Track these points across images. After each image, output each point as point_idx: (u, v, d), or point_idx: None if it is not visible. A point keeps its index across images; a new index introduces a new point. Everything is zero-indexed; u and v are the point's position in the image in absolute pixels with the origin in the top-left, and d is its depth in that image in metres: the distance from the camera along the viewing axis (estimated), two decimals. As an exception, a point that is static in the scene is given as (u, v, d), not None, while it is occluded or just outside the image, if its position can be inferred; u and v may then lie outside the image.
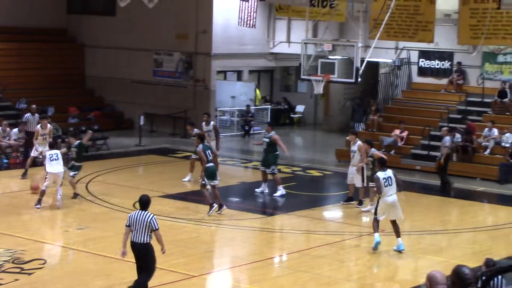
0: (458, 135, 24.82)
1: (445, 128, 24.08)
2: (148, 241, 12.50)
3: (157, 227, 12.48)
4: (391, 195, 15.82)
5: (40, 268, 14.22)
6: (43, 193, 18.57)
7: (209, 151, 18.59)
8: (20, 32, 31.55)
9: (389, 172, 15.99)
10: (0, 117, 26.94)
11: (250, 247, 16.82)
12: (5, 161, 24.28)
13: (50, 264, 14.54)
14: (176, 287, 13.62)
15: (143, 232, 12.45)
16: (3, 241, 15.83)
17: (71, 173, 19.69)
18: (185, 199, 20.16)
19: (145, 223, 12.43)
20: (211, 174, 18.30)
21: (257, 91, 33.55)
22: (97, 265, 14.61)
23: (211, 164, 18.46)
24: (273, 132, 20.84)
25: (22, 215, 18.25)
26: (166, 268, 14.43)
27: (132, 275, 13.88)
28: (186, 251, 15.68)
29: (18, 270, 14.05)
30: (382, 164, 16.30)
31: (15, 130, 24.99)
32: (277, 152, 20.84)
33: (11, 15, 30.94)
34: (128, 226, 12.57)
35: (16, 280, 13.54)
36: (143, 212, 12.56)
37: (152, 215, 12.55)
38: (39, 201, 18.55)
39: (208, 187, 18.33)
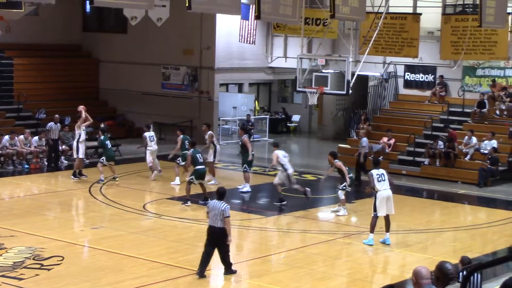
0: (441, 142, 24.83)
1: (363, 131, 24.86)
2: (222, 226, 13.45)
3: (227, 215, 13.42)
4: (385, 189, 15.94)
5: (59, 264, 14.21)
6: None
7: (199, 155, 19.45)
8: (40, 48, 31.57)
9: (382, 170, 16.20)
10: (21, 126, 27.01)
11: (250, 245, 16.80)
12: (26, 166, 24.29)
13: (67, 260, 14.51)
14: (182, 282, 13.59)
15: (218, 218, 13.41)
16: (25, 239, 15.82)
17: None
18: (190, 201, 20.11)
19: (219, 210, 13.38)
20: (200, 175, 19.40)
21: (256, 102, 33.56)
22: (111, 261, 14.59)
23: (202, 166, 19.45)
24: (244, 135, 21.77)
25: (42, 216, 18.24)
26: (173, 264, 14.44)
27: (143, 271, 13.90)
28: (191, 248, 15.65)
29: (38, 266, 14.05)
30: (375, 163, 16.53)
31: (36, 138, 25.02)
32: (248, 153, 21.56)
33: (32, 33, 30.95)
34: (208, 212, 13.62)
35: (37, 275, 13.54)
36: (219, 201, 13.54)
37: (226, 204, 13.54)
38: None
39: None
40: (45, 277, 13.45)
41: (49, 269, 13.86)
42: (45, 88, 30.72)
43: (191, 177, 19.32)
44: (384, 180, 15.99)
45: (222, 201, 13.61)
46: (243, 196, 21.26)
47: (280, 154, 19.68)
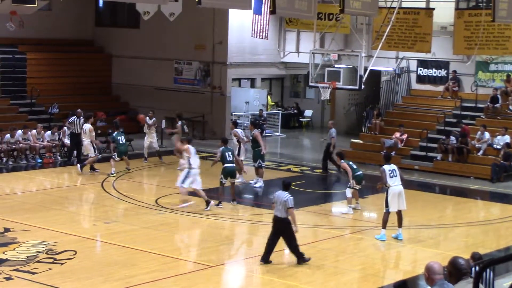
0: (453, 138, 24.74)
1: (331, 122, 24.95)
2: (286, 216, 13.88)
3: (290, 205, 13.84)
4: (397, 185, 15.93)
5: (71, 258, 14.27)
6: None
7: (229, 153, 18.87)
8: (53, 43, 31.68)
9: (394, 166, 16.18)
10: (34, 120, 27.13)
11: (262, 240, 16.78)
12: (39, 161, 24.40)
13: (80, 255, 14.57)
14: (195, 277, 13.61)
15: (281, 208, 13.87)
16: (38, 234, 15.89)
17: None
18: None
19: (282, 201, 13.83)
20: (228, 173, 18.81)
21: (269, 98, 33.55)
22: (123, 256, 14.64)
23: (231, 164, 18.87)
24: (255, 130, 21.52)
25: (54, 210, 18.30)
26: (185, 259, 14.48)
27: (156, 265, 13.94)
28: (203, 243, 15.69)
29: (51, 260, 14.11)
30: (387, 159, 16.61)
31: (48, 132, 25.12)
32: (260, 148, 21.33)
33: (45, 28, 31.07)
34: (273, 203, 14.09)
35: (49, 269, 13.60)
36: (284, 192, 13.96)
37: (289, 195, 13.93)
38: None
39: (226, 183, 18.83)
40: (58, 271, 13.50)
41: (62, 264, 13.92)
42: (57, 83, 30.83)
43: (220, 177, 18.83)
44: (395, 176, 15.99)
45: (286, 192, 14.02)
46: (256, 191, 21.25)
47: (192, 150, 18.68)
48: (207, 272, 13.85)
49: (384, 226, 16.12)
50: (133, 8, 25.29)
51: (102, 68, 33.04)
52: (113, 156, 22.44)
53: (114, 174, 22.11)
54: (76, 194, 20.13)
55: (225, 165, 18.82)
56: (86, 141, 22.64)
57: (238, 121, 31.18)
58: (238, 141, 21.80)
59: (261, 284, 13.81)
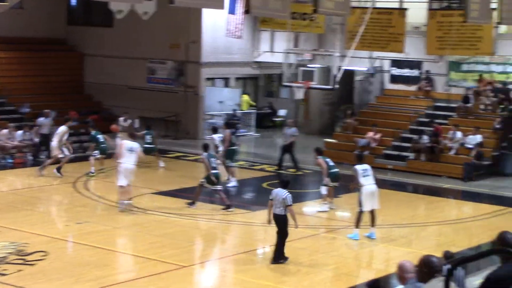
0: (426, 137, 24.90)
1: (290, 121, 25.55)
2: (284, 214, 14.18)
3: (290, 203, 14.12)
4: (370, 184, 15.98)
5: (42, 259, 14.12)
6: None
7: (213, 159, 18.73)
8: (24, 42, 31.36)
9: (366, 165, 16.25)
10: (5, 120, 26.84)
11: (235, 239, 16.78)
12: (10, 161, 24.14)
13: (51, 255, 14.43)
14: (168, 277, 13.54)
15: (280, 205, 14.11)
16: (8, 234, 15.72)
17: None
18: (176, 195, 20.08)
19: (281, 198, 14.10)
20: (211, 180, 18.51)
21: (247, 97, 33.54)
22: (95, 256, 14.52)
23: (216, 171, 18.61)
24: (227, 130, 21.83)
25: (25, 211, 18.12)
26: (157, 259, 14.39)
27: (129, 265, 13.84)
28: (176, 243, 15.62)
29: (21, 261, 13.95)
30: (359, 158, 16.62)
31: (20, 132, 24.87)
32: (233, 147, 21.67)
33: (15, 26, 30.75)
34: (271, 200, 14.22)
35: (20, 270, 13.45)
36: (282, 190, 14.22)
37: (287, 192, 14.16)
38: None
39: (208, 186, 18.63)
40: (28, 273, 13.36)
41: (32, 265, 13.78)
42: (29, 82, 30.52)
43: (202, 180, 18.58)
44: (368, 175, 16.05)
45: (285, 190, 14.24)
46: (228, 191, 21.20)
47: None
48: (180, 272, 13.79)
49: (357, 226, 16.16)
50: (106, 6, 25.08)
51: (74, 67, 32.77)
52: (94, 155, 22.26)
53: (94, 174, 21.91)
54: (48, 194, 19.95)
55: (212, 172, 18.47)
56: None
57: (211, 120, 31.19)
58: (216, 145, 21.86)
59: (234, 284, 13.78)
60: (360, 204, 16.05)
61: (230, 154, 21.51)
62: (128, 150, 18.05)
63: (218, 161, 19.70)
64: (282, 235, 14.33)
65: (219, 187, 18.67)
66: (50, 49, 32.18)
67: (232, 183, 21.43)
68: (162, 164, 23.71)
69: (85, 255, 14.63)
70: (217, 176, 18.51)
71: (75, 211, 18.27)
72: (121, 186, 17.99)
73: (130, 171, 18.06)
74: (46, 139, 24.10)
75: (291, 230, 17.40)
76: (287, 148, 24.19)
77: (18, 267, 13.61)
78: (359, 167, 16.13)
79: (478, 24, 23.22)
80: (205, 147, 18.89)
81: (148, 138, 23.69)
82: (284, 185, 14.49)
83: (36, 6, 30.53)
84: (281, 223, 14.30)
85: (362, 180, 15.98)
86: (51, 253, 14.55)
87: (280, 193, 14.21)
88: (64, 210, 18.56)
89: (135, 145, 18.32)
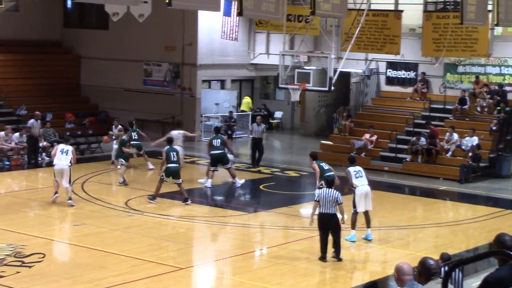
0: (422, 139, 24.95)
1: (259, 118, 25.90)
2: (334, 212, 14.42)
3: (341, 201, 14.43)
4: (363, 185, 16.04)
5: (40, 261, 14.12)
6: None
7: (174, 153, 19.19)
8: (20, 44, 31.38)
9: (359, 167, 16.34)
10: (1, 122, 26.83)
11: (233, 241, 16.80)
12: (7, 163, 24.13)
13: (49, 257, 14.44)
14: (165, 279, 13.56)
15: (332, 205, 14.33)
16: (5, 237, 15.71)
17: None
18: (173, 198, 20.07)
19: (333, 198, 14.31)
20: (171, 173, 19.01)
21: (248, 99, 33.57)
22: (92, 258, 14.53)
23: (175, 164, 19.10)
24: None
25: (23, 213, 18.12)
26: (155, 261, 14.40)
27: (126, 267, 13.85)
28: (174, 245, 15.64)
29: (19, 263, 13.96)
30: (351, 161, 16.74)
31: (16, 134, 24.84)
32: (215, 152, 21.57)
33: (12, 29, 30.77)
34: (317, 201, 14.38)
35: (18, 272, 13.45)
36: (330, 189, 14.48)
37: (338, 191, 14.49)
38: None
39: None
40: (26, 275, 13.36)
41: (30, 267, 13.78)
42: (25, 84, 30.53)
43: (162, 174, 19.19)
44: (361, 176, 16.13)
45: (332, 189, 14.51)
46: (221, 192, 21.23)
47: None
48: (177, 274, 13.80)
49: (353, 227, 16.19)
50: (102, 9, 25.12)
51: (70, 69, 32.78)
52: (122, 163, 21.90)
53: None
54: (45, 196, 19.90)
55: (169, 165, 19.04)
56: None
57: (208, 122, 31.22)
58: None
59: (232, 286, 13.80)
60: (354, 205, 16.10)
61: (213, 160, 21.29)
62: (59, 152, 18.87)
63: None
64: (336, 231, 14.61)
65: (179, 181, 19.10)
66: (46, 51, 32.20)
67: (241, 181, 21.62)
68: (151, 166, 23.54)
69: (82, 257, 14.64)
70: (175, 169, 19.00)
71: (72, 213, 18.27)
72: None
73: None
74: (35, 142, 24.13)
75: (289, 231, 17.46)
76: (257, 145, 24.92)
77: (16, 269, 13.60)
78: (351, 169, 16.20)
79: (474, 26, 23.29)
80: (169, 141, 19.63)
81: (134, 135, 23.42)
82: (330, 184, 14.79)
83: (32, 9, 30.53)
84: (335, 222, 14.56)
85: (355, 182, 16.04)
86: (48, 255, 14.56)
87: (330, 193, 14.46)
88: (61, 212, 18.53)
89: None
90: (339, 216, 14.78)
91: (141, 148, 23.65)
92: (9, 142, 24.56)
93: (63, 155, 18.80)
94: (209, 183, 21.25)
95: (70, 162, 18.78)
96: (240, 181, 21.64)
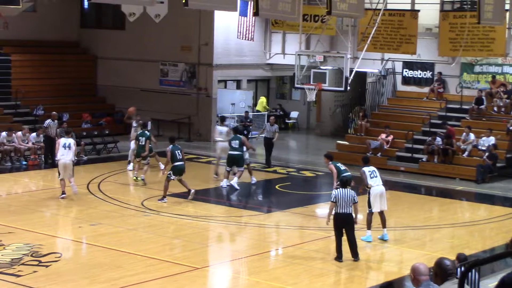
0: (439, 139, 24.84)
1: (272, 117, 26.26)
2: (350, 212, 14.49)
3: (357, 201, 14.60)
4: (378, 185, 16.02)
5: (56, 261, 14.20)
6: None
7: (178, 151, 19.39)
8: (37, 45, 31.56)
9: (373, 167, 16.35)
10: (19, 122, 26.99)
11: (248, 241, 16.80)
12: (24, 163, 24.28)
13: (66, 257, 14.52)
14: (181, 279, 13.59)
15: (348, 204, 14.42)
16: (22, 236, 15.81)
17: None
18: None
19: (350, 197, 14.42)
20: (178, 171, 19.32)
21: (264, 99, 33.56)
22: (108, 258, 14.59)
23: (181, 162, 19.37)
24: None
25: (40, 213, 18.22)
26: (171, 260, 14.44)
27: (141, 267, 13.90)
28: (189, 245, 15.66)
29: (36, 262, 14.04)
30: (366, 161, 16.82)
31: (34, 134, 25.00)
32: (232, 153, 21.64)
33: (30, 29, 30.94)
34: (334, 202, 14.42)
35: (35, 272, 13.53)
36: (346, 189, 14.57)
37: (353, 191, 14.63)
38: None
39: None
40: (43, 274, 13.44)
41: (47, 266, 13.86)
42: (42, 84, 30.69)
43: (168, 173, 19.39)
44: (376, 176, 16.13)
45: (348, 189, 14.60)
46: (240, 192, 21.23)
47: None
48: (193, 274, 13.82)
49: (369, 227, 16.16)
50: (118, 9, 25.18)
51: (87, 69, 32.92)
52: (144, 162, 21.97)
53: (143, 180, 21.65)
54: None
55: (175, 163, 19.21)
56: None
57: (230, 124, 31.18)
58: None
59: (247, 286, 13.80)
60: (369, 205, 16.07)
61: (229, 160, 21.26)
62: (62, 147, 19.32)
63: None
64: (351, 230, 14.64)
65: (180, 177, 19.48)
66: (63, 52, 32.36)
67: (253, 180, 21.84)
68: (162, 166, 23.49)
69: (99, 257, 14.70)
70: (182, 167, 19.27)
71: (89, 212, 18.35)
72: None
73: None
74: (52, 142, 24.20)
75: (304, 231, 17.45)
76: (268, 144, 24.98)
77: (33, 268, 13.69)
78: (366, 169, 16.19)
79: (491, 25, 23.16)
80: (171, 140, 19.76)
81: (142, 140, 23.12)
82: (344, 184, 14.81)
83: (49, 10, 30.68)
84: (351, 222, 14.60)
85: (370, 181, 16.04)
86: (65, 254, 14.64)
87: (347, 193, 14.51)
88: (78, 212, 18.63)
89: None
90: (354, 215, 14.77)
91: (151, 150, 23.64)
92: (26, 142, 24.71)
93: (66, 150, 19.27)
94: (224, 182, 21.28)
95: (74, 156, 19.36)
96: (253, 179, 21.82)
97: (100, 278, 13.37)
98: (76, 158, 19.60)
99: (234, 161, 21.02)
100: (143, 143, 21.48)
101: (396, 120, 27.18)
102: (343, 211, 14.50)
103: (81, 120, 30.10)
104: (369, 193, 16.09)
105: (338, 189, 14.77)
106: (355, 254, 14.79)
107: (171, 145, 19.42)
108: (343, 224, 14.61)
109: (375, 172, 16.21)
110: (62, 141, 19.48)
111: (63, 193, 19.30)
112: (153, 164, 22.82)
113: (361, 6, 20.58)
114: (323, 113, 33.12)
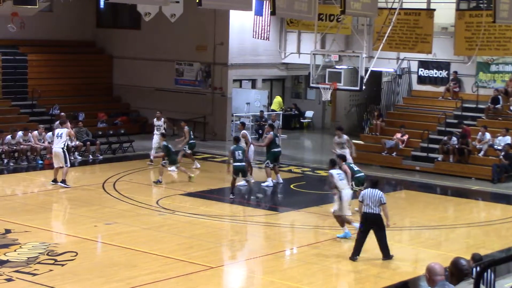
0: (454, 138, 24.73)
1: (273, 114, 26.26)
2: (378, 212, 14.39)
3: (385, 202, 14.40)
4: (348, 188, 16.43)
5: (72, 259, 14.26)
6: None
7: (239, 151, 19.62)
8: (54, 44, 31.71)
9: (340, 171, 16.67)
10: (35, 122, 27.13)
11: (263, 241, 16.79)
12: (40, 162, 24.40)
13: (81, 256, 14.56)
14: (196, 278, 13.60)
15: (375, 205, 14.34)
16: (38, 235, 15.88)
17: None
18: (203, 197, 20.15)
19: (377, 198, 14.33)
20: (236, 171, 19.65)
21: (279, 98, 33.55)
22: (124, 257, 14.62)
23: (239, 163, 19.62)
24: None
25: (55, 212, 18.32)
26: (186, 260, 14.45)
27: (156, 266, 13.92)
28: (204, 244, 15.67)
29: (52, 261, 14.10)
30: (333, 163, 16.90)
31: (50, 134, 25.08)
32: (273, 150, 21.84)
33: (46, 29, 31.11)
34: (361, 201, 14.43)
35: (50, 270, 13.59)
36: (373, 190, 14.47)
37: (381, 192, 14.50)
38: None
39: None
40: (58, 273, 13.49)
41: (63, 265, 13.91)
42: (58, 84, 30.85)
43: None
44: (343, 179, 16.34)
45: (376, 189, 14.51)
46: (255, 191, 21.22)
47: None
48: (208, 273, 13.83)
49: (342, 225, 16.40)
50: (134, 9, 25.28)
51: (103, 69, 33.07)
52: (163, 164, 21.72)
53: (161, 182, 21.46)
54: (77, 195, 20.10)
55: (234, 163, 19.42)
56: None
57: (239, 122, 31.21)
58: (246, 142, 21.72)
59: (262, 285, 13.79)
60: (340, 210, 16.25)
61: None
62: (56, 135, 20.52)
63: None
64: (381, 232, 14.62)
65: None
66: (79, 51, 32.51)
67: (267, 182, 21.51)
68: (193, 166, 23.79)
69: (114, 256, 14.74)
70: (239, 168, 19.53)
71: (104, 212, 18.41)
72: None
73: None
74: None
75: (319, 231, 17.42)
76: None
77: (49, 267, 13.75)
78: (334, 171, 16.39)
79: (507, 24, 23.03)
80: (236, 140, 20.00)
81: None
82: (374, 185, 14.79)
83: (65, 9, 30.81)
84: (380, 222, 14.57)
85: (339, 184, 16.32)
86: (81, 253, 14.68)
87: (374, 193, 14.47)
88: (93, 211, 18.70)
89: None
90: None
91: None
92: (43, 141, 24.83)
93: (57, 139, 20.35)
94: (269, 181, 21.53)
95: (64, 144, 20.24)
96: (268, 182, 21.65)
97: (116, 277, 13.40)
98: (67, 144, 20.78)
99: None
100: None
101: (411, 119, 27.08)
102: (370, 211, 14.45)
103: (96, 119, 30.21)
104: (340, 198, 16.14)
105: (366, 189, 14.76)
106: (386, 255, 14.74)
107: (234, 145, 19.70)
108: (371, 224, 14.58)
109: (342, 175, 16.39)
110: (56, 130, 20.58)
111: (54, 180, 20.53)
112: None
113: (375, 6, 20.55)
114: (338, 112, 33.06)
